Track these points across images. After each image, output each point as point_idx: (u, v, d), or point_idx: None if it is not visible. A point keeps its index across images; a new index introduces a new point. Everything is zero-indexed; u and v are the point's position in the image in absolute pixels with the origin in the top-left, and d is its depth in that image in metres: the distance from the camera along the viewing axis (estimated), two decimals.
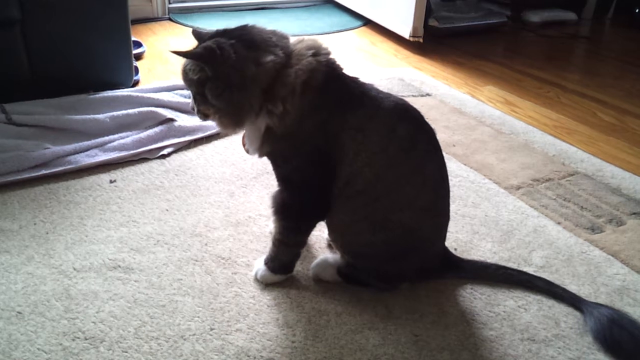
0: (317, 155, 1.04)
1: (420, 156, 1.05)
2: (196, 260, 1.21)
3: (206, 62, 0.99)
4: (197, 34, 1.08)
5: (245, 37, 1.01)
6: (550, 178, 1.61)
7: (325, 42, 1.07)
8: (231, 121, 1.04)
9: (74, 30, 1.79)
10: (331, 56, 1.05)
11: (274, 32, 1.05)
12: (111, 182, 1.48)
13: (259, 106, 1.01)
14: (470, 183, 1.56)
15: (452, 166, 1.63)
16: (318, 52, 1.03)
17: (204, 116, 1.06)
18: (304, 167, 1.05)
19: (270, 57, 0.99)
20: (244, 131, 1.11)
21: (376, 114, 1.03)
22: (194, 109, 1.08)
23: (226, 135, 1.71)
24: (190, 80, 1.02)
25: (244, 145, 1.14)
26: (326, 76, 1.02)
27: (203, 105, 1.04)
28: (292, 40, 1.07)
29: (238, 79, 0.99)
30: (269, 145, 1.05)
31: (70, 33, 1.79)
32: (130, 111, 1.74)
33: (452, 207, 1.17)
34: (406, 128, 1.03)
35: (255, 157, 1.11)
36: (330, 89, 1.02)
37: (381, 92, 1.07)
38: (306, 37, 1.07)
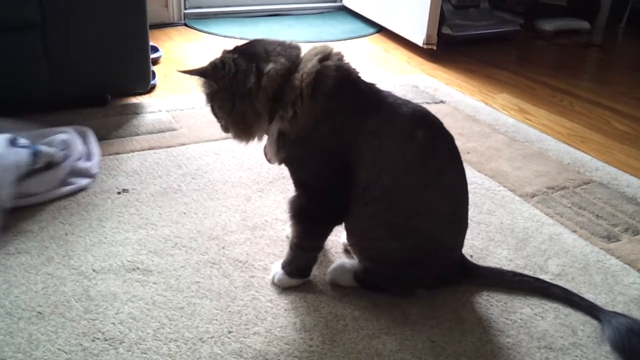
0: (334, 161, 1.04)
1: (439, 163, 1.05)
2: (214, 263, 1.22)
3: (209, 77, 1.04)
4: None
5: (248, 51, 1.05)
6: (565, 186, 1.61)
7: (339, 48, 1.08)
8: (239, 130, 1.08)
9: (94, 34, 1.81)
10: (344, 61, 1.06)
11: (281, 43, 1.07)
12: (123, 191, 1.47)
13: (269, 113, 1.04)
14: (485, 190, 1.56)
15: (467, 173, 1.60)
16: (326, 57, 1.04)
17: (224, 129, 1.11)
18: (320, 172, 1.06)
19: (270, 66, 1.02)
20: (265, 141, 1.12)
21: (393, 119, 1.03)
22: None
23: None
24: (204, 95, 1.08)
25: (265, 155, 1.15)
26: (338, 81, 1.02)
27: (217, 118, 1.10)
28: (306, 49, 1.07)
29: (239, 90, 1.03)
30: (284, 151, 1.06)
31: (89, 37, 1.81)
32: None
33: (468, 214, 1.17)
34: (425, 134, 1.03)
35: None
36: (343, 93, 1.03)
37: (399, 98, 1.07)
38: (319, 44, 1.08)
